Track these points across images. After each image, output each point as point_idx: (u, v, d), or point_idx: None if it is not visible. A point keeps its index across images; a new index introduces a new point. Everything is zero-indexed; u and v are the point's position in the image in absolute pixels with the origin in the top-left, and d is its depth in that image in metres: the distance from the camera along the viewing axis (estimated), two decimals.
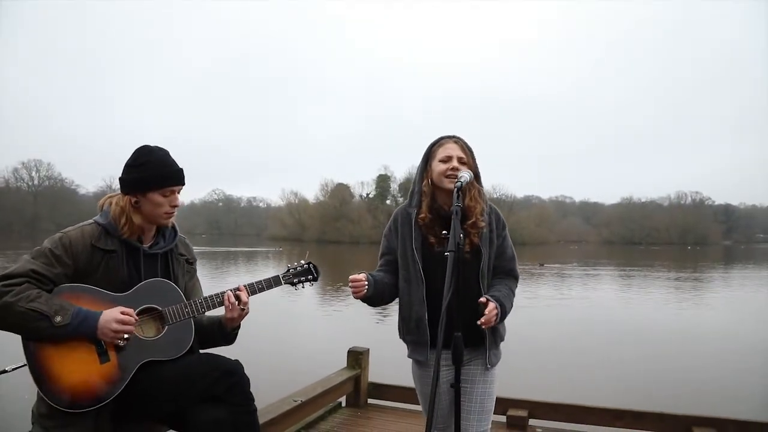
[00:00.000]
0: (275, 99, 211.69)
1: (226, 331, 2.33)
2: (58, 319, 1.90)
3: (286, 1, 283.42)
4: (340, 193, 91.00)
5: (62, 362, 1.96)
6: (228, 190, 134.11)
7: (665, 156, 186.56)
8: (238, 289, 2.29)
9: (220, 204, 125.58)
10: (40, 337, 1.92)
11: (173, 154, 2.25)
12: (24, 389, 1.99)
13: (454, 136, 2.38)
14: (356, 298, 2.34)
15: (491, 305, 2.15)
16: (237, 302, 2.26)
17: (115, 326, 1.99)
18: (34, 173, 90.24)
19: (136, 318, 2.08)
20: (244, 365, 2.18)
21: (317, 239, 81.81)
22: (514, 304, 2.37)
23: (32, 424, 2.04)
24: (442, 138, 2.39)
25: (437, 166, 2.31)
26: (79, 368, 1.97)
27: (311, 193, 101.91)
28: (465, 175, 2.18)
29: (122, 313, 2.02)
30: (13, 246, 38.11)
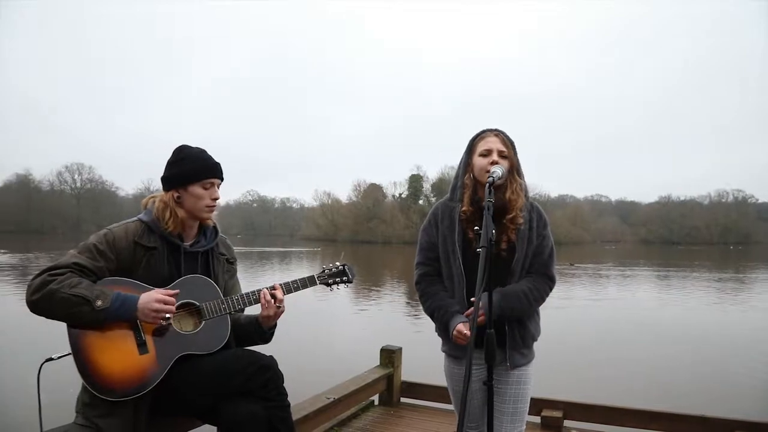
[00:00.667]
0: (306, 100, 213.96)
1: (263, 330, 2.36)
2: (99, 303, 1.96)
3: (312, 2, 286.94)
4: (372, 193, 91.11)
5: (103, 352, 2.02)
6: (262, 191, 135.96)
7: (705, 153, 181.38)
8: (273, 287, 2.33)
9: (255, 205, 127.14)
10: (82, 322, 1.98)
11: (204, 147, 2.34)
12: (70, 379, 2.05)
13: (495, 129, 2.33)
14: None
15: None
16: (273, 300, 2.30)
17: (156, 305, 2.04)
18: (76, 176, 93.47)
19: (176, 295, 2.11)
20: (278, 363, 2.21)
21: (350, 239, 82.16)
22: (542, 304, 2.31)
23: (76, 413, 2.11)
24: (483, 131, 2.34)
25: (478, 161, 2.28)
26: (118, 358, 2.03)
27: (344, 193, 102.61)
28: (498, 170, 2.15)
29: (162, 293, 2.08)
30: (57, 247, 39.31)
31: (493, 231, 1.99)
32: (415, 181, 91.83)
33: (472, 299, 2.21)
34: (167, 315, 2.07)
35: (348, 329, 13.06)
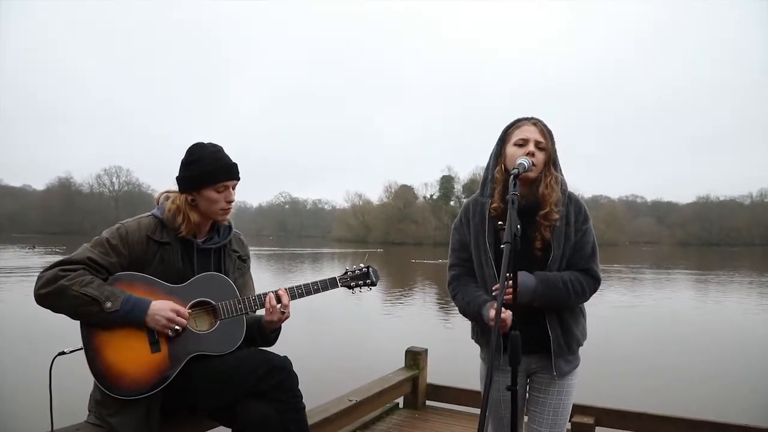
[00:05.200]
0: (343, 103, 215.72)
1: (265, 332, 2.29)
2: (109, 305, 1.93)
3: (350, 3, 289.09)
4: (403, 194, 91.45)
5: (115, 349, 1.99)
6: (294, 193, 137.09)
7: (746, 153, 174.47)
8: (279, 292, 2.24)
9: (287, 206, 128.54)
10: (90, 321, 1.96)
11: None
12: (83, 375, 2.02)
13: (532, 118, 2.17)
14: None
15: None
16: (278, 305, 2.22)
17: (170, 314, 2.01)
18: (114, 179, 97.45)
19: (190, 312, 2.09)
20: (300, 363, 2.13)
21: (381, 240, 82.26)
22: (584, 301, 2.15)
23: (89, 411, 2.08)
24: (519, 120, 2.18)
25: (512, 151, 2.10)
26: (130, 356, 2.00)
27: (375, 194, 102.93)
28: (524, 161, 1.99)
29: (178, 307, 2.05)
30: None
31: (519, 226, 1.85)
32: (446, 182, 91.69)
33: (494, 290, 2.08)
34: (177, 327, 2.04)
35: (376, 330, 12.99)
